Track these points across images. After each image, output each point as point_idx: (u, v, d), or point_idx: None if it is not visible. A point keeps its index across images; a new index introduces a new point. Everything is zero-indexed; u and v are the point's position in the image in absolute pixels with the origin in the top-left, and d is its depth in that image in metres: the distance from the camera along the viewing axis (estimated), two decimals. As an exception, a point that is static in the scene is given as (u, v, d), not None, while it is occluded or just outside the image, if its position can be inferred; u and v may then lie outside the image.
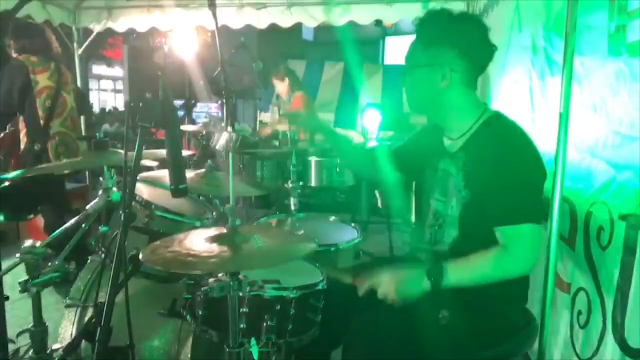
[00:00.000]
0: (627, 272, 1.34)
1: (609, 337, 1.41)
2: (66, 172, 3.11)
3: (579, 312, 1.60)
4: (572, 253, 1.66)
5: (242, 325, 1.36)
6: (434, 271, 1.35)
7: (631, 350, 1.30)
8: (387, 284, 1.38)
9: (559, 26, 1.91)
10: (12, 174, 1.90)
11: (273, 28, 4.27)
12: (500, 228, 1.35)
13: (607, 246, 1.46)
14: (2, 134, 3.39)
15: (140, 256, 1.14)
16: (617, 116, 1.46)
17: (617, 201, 1.42)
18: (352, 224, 2.31)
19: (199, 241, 1.23)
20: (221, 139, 1.63)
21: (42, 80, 3.05)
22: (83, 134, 3.60)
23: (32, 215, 3.55)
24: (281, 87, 4.56)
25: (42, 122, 3.04)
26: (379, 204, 3.76)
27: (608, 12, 1.51)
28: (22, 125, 3.10)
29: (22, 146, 3.08)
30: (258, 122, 5.30)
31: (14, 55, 3.06)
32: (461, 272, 1.36)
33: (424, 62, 1.47)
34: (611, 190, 1.46)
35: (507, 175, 1.35)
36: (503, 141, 1.40)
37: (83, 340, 1.43)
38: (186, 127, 3.64)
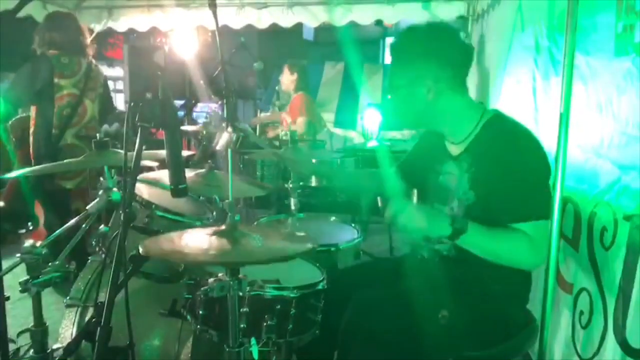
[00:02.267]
0: (630, 273, 1.34)
1: (610, 338, 1.40)
2: (70, 187, 3.05)
3: (581, 313, 1.60)
4: (576, 254, 1.66)
5: (242, 325, 1.36)
6: (458, 221, 1.33)
7: (632, 351, 1.30)
8: (410, 213, 1.34)
9: (564, 26, 1.91)
10: (13, 173, 1.90)
11: (274, 28, 4.27)
12: (512, 225, 1.35)
13: (610, 247, 1.45)
14: (12, 120, 3.34)
15: (140, 251, 1.14)
16: (624, 116, 1.45)
17: (621, 202, 1.42)
18: (352, 224, 2.31)
19: (198, 237, 1.23)
20: (221, 140, 1.63)
21: (67, 86, 2.92)
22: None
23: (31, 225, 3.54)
24: (287, 79, 4.48)
25: (55, 131, 2.93)
26: (380, 204, 3.76)
27: (615, 11, 1.50)
28: (32, 122, 2.99)
29: (31, 147, 3.02)
30: (259, 125, 5.29)
31: (42, 50, 2.91)
32: (482, 234, 1.34)
33: (404, 81, 1.48)
34: (615, 191, 1.45)
35: (516, 173, 1.35)
36: (508, 140, 1.41)
37: (83, 340, 1.43)
38: (186, 127, 3.64)
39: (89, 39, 3.14)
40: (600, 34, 1.58)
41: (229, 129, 1.62)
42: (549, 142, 1.52)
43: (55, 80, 2.90)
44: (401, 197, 1.41)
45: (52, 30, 2.95)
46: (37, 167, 1.90)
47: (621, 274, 1.38)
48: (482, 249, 1.36)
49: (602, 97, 1.56)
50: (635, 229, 1.33)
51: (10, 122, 3.35)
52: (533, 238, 1.33)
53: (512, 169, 1.35)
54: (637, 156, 1.35)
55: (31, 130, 3.01)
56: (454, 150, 1.54)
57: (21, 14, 3.72)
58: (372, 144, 4.44)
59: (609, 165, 1.50)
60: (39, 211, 3.32)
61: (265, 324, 1.40)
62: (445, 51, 1.44)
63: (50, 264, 1.46)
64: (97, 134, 1.81)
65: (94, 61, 3.15)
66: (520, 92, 2.43)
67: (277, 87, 4.78)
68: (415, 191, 1.76)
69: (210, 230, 1.24)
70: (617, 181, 1.45)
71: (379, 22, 4.37)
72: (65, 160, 1.99)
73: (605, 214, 1.49)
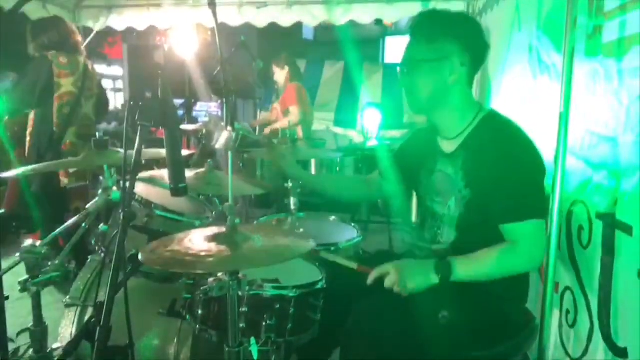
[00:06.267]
0: (607, 271, 1.35)
1: (597, 337, 1.41)
2: (68, 182, 3.05)
3: (567, 311, 1.61)
4: (559, 252, 1.67)
5: (241, 325, 1.36)
6: (441, 266, 1.36)
7: (618, 350, 1.30)
8: (394, 275, 1.37)
9: (548, 26, 1.92)
10: (11, 172, 1.90)
11: (273, 27, 4.27)
12: (506, 225, 1.36)
13: (588, 245, 1.47)
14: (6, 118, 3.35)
15: (140, 256, 1.14)
16: (593, 116, 1.47)
17: (594, 200, 1.43)
18: (352, 224, 2.31)
19: (198, 240, 1.23)
20: (221, 138, 1.62)
21: (66, 84, 2.95)
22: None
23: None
24: (280, 75, 4.48)
25: (56, 130, 2.94)
26: (379, 204, 3.76)
27: (587, 13, 1.51)
28: (30, 122, 3.01)
29: (27, 145, 3.02)
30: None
31: (38, 54, 2.95)
32: (469, 267, 1.36)
33: (430, 56, 1.43)
34: (589, 190, 1.47)
35: (510, 172, 1.35)
36: (502, 139, 1.41)
37: (83, 340, 1.43)
38: (186, 126, 3.64)
39: (80, 37, 3.17)
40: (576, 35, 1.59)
41: (229, 128, 1.61)
42: (539, 141, 1.52)
43: (55, 79, 2.92)
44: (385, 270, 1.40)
45: (44, 33, 2.98)
46: (36, 166, 1.89)
47: (600, 272, 1.38)
48: (478, 276, 1.37)
49: (575, 97, 1.56)
50: (607, 228, 1.34)
51: (4, 120, 3.35)
52: (524, 241, 1.33)
53: (505, 168, 1.35)
54: (606, 155, 1.36)
55: (29, 130, 3.02)
56: (447, 147, 1.53)
57: (21, 13, 3.72)
58: (371, 143, 4.44)
59: (582, 165, 1.52)
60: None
61: (264, 323, 1.40)
62: (472, 39, 1.44)
63: (49, 263, 1.46)
64: (97, 133, 1.81)
65: (89, 61, 3.17)
66: (517, 91, 2.43)
67: (276, 87, 4.78)
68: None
69: (209, 234, 1.24)
70: (589, 180, 1.47)
71: (378, 22, 4.37)
72: (64, 160, 1.99)
73: (581, 213, 1.50)
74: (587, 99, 1.51)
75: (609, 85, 1.38)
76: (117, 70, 10.45)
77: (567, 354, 1.60)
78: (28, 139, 3.02)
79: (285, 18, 4.16)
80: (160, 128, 1.11)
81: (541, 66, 1.97)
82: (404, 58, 1.50)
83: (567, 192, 1.58)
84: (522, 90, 2.30)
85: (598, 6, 1.45)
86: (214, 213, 1.90)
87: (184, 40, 4.34)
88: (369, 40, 11.27)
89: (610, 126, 1.36)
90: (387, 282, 1.37)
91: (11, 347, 1.63)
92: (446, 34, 1.42)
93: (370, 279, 1.40)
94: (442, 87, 1.44)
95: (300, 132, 4.35)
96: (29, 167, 1.90)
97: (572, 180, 1.56)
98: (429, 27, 1.46)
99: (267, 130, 4.48)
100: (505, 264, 1.36)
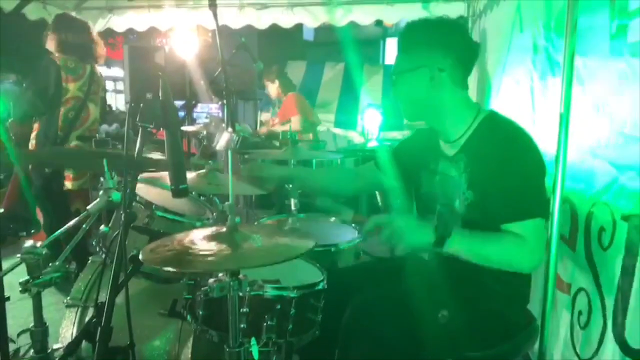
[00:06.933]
0: (628, 273, 1.34)
1: (610, 338, 1.41)
2: (72, 188, 3.06)
3: (580, 313, 1.60)
4: (573, 254, 1.66)
5: (242, 325, 1.36)
6: (441, 228, 1.34)
7: (631, 351, 1.30)
8: (391, 227, 1.34)
9: (560, 26, 1.91)
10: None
11: (274, 28, 4.28)
12: (507, 225, 1.35)
13: (609, 247, 1.45)
14: (10, 120, 3.35)
15: (140, 256, 1.14)
16: (621, 117, 1.45)
17: (619, 202, 1.42)
18: (353, 224, 2.31)
19: (198, 240, 1.23)
20: (221, 140, 1.63)
21: (73, 89, 2.97)
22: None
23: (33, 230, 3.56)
24: (272, 88, 4.57)
25: (60, 133, 2.95)
26: (379, 204, 3.76)
27: (609, 12, 1.51)
28: (35, 125, 3.02)
29: (30, 148, 3.01)
30: (258, 123, 5.30)
31: (53, 51, 2.95)
32: (470, 239, 1.34)
33: (409, 67, 1.49)
34: (613, 191, 1.45)
35: (511, 172, 1.35)
36: (503, 139, 1.41)
37: (83, 340, 1.43)
38: (187, 128, 3.64)
39: (101, 48, 3.17)
40: (596, 35, 1.58)
41: (229, 129, 1.62)
42: (546, 143, 1.52)
43: (63, 84, 2.93)
44: (391, 215, 1.39)
45: (76, 33, 2.99)
46: (36, 161, 1.89)
47: (620, 274, 1.38)
48: (472, 254, 1.34)
49: (598, 97, 1.56)
50: (633, 229, 1.33)
51: (9, 121, 3.35)
52: (528, 238, 1.32)
53: (506, 168, 1.36)
54: (634, 156, 1.35)
55: (34, 133, 3.02)
56: (449, 149, 1.54)
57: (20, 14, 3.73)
58: (372, 144, 4.45)
59: (605, 166, 1.50)
60: (41, 217, 3.32)
61: (265, 324, 1.40)
62: (453, 43, 1.46)
63: (50, 264, 1.46)
64: (98, 134, 1.81)
65: (95, 65, 3.18)
66: (519, 92, 2.43)
67: (271, 100, 4.84)
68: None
69: (210, 233, 1.24)
70: (614, 181, 1.45)
71: (379, 23, 4.37)
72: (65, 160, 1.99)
73: (603, 214, 1.49)
74: (613, 100, 1.50)
75: (636, 85, 1.36)
76: (117, 71, 10.47)
77: (576, 354, 1.60)
78: (33, 142, 3.02)
79: (286, 19, 4.16)
80: (161, 129, 1.12)
81: (553, 67, 1.97)
82: (392, 72, 1.55)
83: (587, 194, 1.58)
84: (526, 91, 2.30)
85: (622, 5, 1.45)
86: (214, 214, 1.91)
87: (185, 41, 4.34)
88: (370, 42, 11.29)
89: (637, 126, 1.36)
90: (384, 234, 1.34)
91: (12, 347, 1.63)
92: (423, 44, 1.47)
93: (367, 225, 1.38)
94: (425, 93, 1.48)
95: (311, 137, 4.39)
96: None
97: (593, 182, 1.55)
98: (407, 39, 1.52)
99: (263, 130, 4.51)
100: (508, 251, 1.33)
